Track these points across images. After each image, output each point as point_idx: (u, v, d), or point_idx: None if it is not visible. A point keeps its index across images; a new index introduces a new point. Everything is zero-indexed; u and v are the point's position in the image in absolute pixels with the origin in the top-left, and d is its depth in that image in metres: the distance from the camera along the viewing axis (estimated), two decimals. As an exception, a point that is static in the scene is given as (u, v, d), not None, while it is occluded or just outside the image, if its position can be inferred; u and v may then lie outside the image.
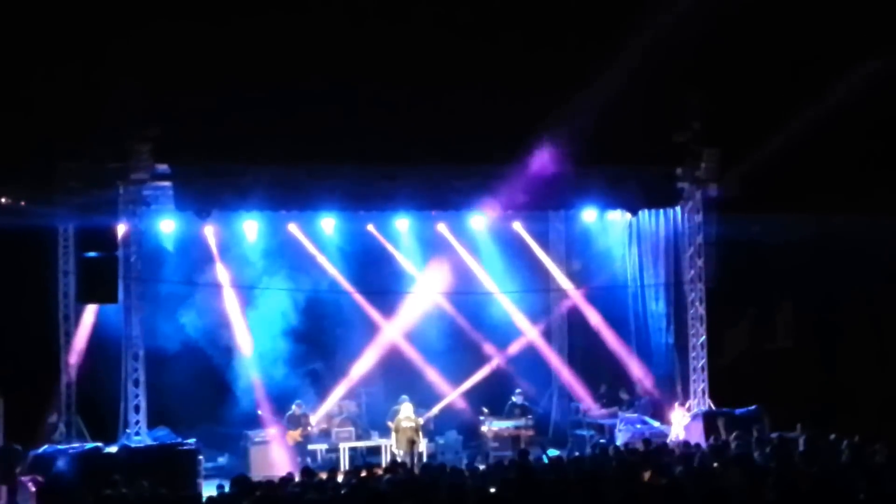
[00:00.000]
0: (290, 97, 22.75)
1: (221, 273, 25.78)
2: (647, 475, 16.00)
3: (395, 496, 14.81)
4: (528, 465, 17.57)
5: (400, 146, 22.95)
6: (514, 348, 27.99)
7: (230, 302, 25.85)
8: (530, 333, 28.28)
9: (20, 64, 21.75)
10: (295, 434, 24.67)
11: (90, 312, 23.47)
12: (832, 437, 18.51)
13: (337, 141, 22.87)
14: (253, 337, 25.78)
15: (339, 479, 18.87)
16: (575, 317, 28.71)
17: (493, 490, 15.14)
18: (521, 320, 28.11)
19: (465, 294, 27.53)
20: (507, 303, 27.85)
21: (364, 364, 26.69)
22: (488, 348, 27.71)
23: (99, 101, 21.37)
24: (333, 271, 26.69)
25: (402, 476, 17.49)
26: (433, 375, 27.00)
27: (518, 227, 27.83)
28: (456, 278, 27.42)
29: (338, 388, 26.34)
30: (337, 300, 26.75)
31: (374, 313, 27.04)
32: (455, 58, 23.40)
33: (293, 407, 25.03)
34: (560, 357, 29.07)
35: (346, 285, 26.72)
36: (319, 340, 26.48)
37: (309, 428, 24.97)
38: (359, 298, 26.87)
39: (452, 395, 26.94)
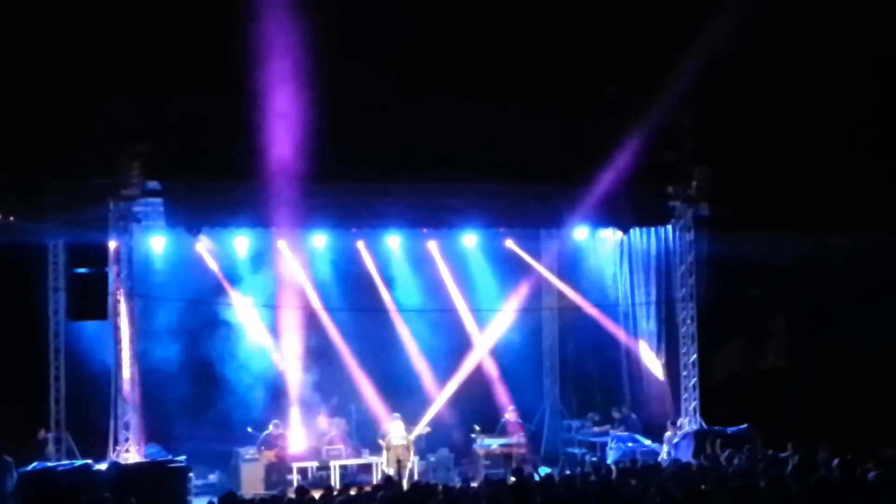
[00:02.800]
0: (279, 113, 22.67)
1: (215, 289, 25.84)
2: None
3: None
4: (522, 484, 17.50)
5: (392, 163, 22.94)
6: (503, 366, 27.93)
7: (227, 316, 25.99)
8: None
9: (9, 80, 21.69)
10: (270, 454, 24.58)
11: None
12: (823, 456, 18.47)
13: (327, 158, 22.79)
14: (246, 352, 25.82)
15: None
16: (566, 335, 28.81)
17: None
18: (512, 337, 28.16)
19: (450, 311, 27.56)
20: (498, 320, 27.88)
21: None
22: (476, 366, 27.67)
23: (89, 117, 21.34)
24: (311, 291, 26.72)
25: (393, 494, 17.40)
26: (423, 393, 26.99)
27: (511, 245, 27.81)
28: (445, 296, 27.51)
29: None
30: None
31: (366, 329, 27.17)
32: (446, 74, 23.42)
33: (270, 427, 24.99)
34: (552, 374, 29.14)
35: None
36: (315, 356, 26.51)
37: (287, 449, 24.89)
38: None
39: (438, 405, 26.91)
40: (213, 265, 25.75)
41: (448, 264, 27.64)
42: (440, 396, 27.05)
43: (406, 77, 23.21)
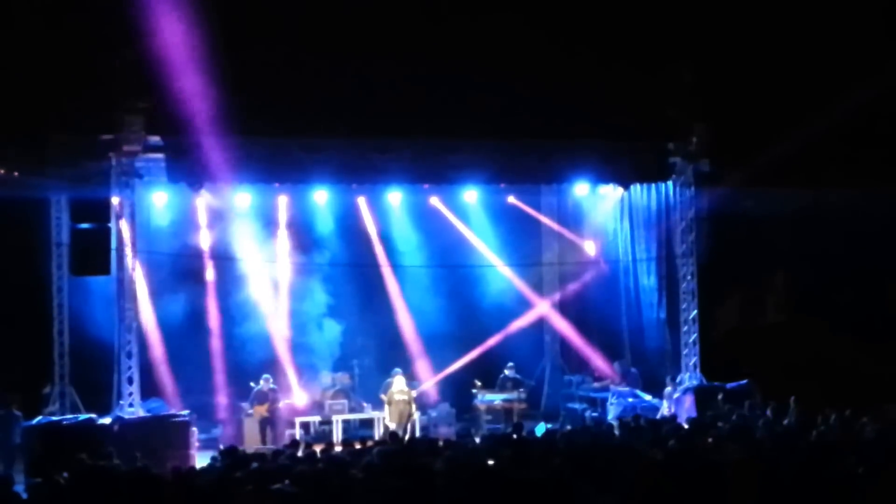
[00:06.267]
0: (282, 69, 22.64)
1: (210, 242, 25.98)
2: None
3: (388, 469, 14.84)
4: (523, 440, 17.63)
5: (393, 119, 22.90)
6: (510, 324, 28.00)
7: (230, 271, 26.11)
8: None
9: (11, 34, 21.62)
10: (261, 409, 24.64)
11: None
12: (824, 411, 18.59)
13: (329, 114, 22.78)
14: (249, 307, 25.96)
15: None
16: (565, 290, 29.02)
17: (491, 462, 15.19)
18: (515, 295, 28.29)
19: (458, 267, 27.67)
20: (500, 276, 28.01)
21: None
22: (484, 323, 27.81)
23: (91, 72, 21.29)
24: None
25: (395, 448, 17.49)
26: (428, 349, 27.11)
27: (514, 200, 27.89)
28: (451, 251, 27.62)
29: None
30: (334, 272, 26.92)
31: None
32: (446, 34, 23.34)
33: (261, 381, 24.99)
34: (552, 330, 29.26)
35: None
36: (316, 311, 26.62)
37: (278, 404, 24.96)
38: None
39: (449, 370, 27.05)
40: (204, 220, 25.81)
41: (450, 220, 27.70)
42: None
43: (408, 34, 23.13)
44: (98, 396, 22.95)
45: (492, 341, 27.35)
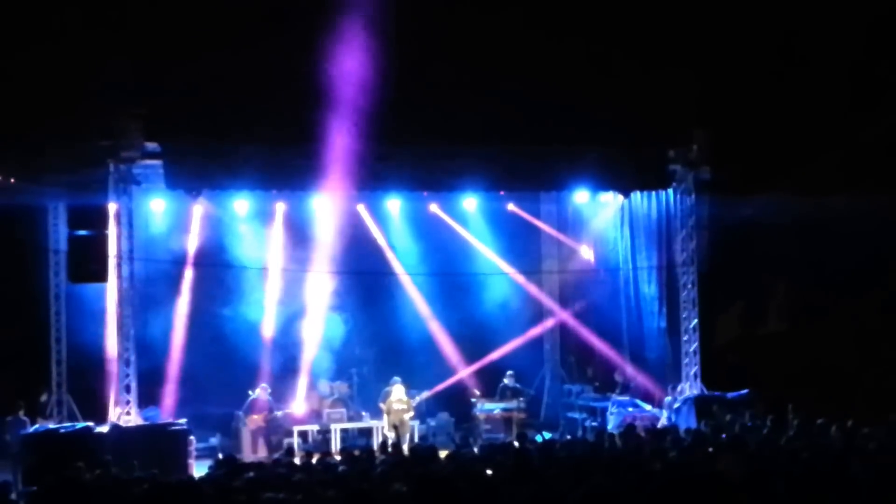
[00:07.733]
0: (281, 75, 22.57)
1: (208, 249, 25.85)
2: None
3: (387, 478, 14.73)
4: (525, 449, 17.50)
5: (392, 126, 22.81)
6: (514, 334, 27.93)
7: (229, 279, 26.03)
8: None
9: (8, 40, 21.57)
10: (257, 418, 24.56)
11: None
12: (824, 421, 18.46)
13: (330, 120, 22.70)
14: (247, 314, 25.87)
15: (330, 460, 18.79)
16: (566, 298, 28.86)
17: (489, 472, 15.07)
18: (515, 302, 28.23)
19: (457, 275, 27.58)
20: (500, 284, 27.91)
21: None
22: (484, 332, 27.75)
23: (89, 78, 21.23)
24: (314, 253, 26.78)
25: (394, 457, 17.40)
26: (427, 357, 27.04)
27: (513, 208, 27.82)
28: (451, 259, 27.53)
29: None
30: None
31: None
32: (444, 38, 23.27)
33: (258, 391, 24.95)
34: (551, 339, 29.18)
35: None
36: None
37: (276, 413, 24.85)
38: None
39: (450, 380, 26.98)
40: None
41: (449, 227, 27.59)
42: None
43: (407, 38, 23.06)
44: (95, 404, 22.85)
45: (495, 354, 27.25)
